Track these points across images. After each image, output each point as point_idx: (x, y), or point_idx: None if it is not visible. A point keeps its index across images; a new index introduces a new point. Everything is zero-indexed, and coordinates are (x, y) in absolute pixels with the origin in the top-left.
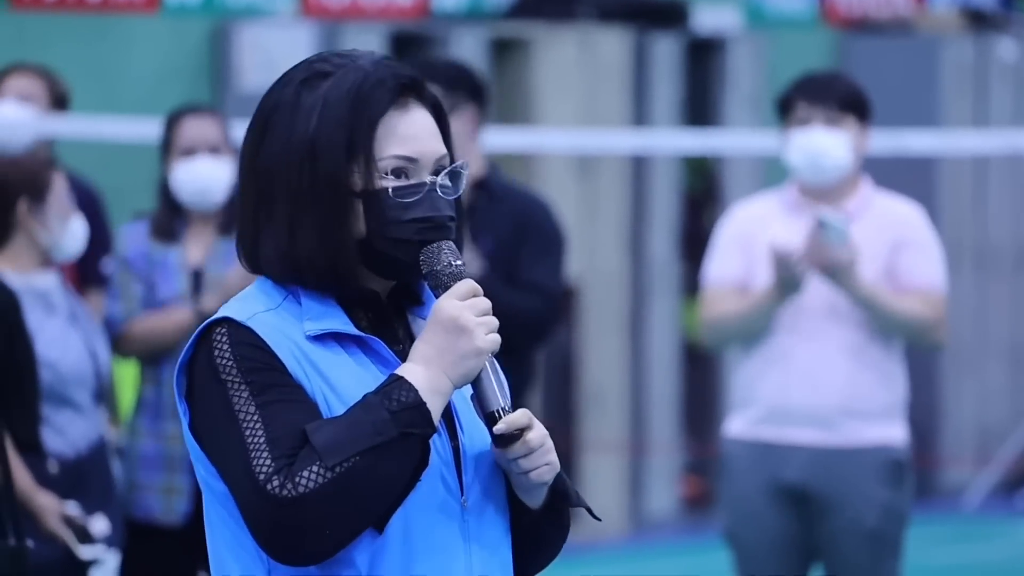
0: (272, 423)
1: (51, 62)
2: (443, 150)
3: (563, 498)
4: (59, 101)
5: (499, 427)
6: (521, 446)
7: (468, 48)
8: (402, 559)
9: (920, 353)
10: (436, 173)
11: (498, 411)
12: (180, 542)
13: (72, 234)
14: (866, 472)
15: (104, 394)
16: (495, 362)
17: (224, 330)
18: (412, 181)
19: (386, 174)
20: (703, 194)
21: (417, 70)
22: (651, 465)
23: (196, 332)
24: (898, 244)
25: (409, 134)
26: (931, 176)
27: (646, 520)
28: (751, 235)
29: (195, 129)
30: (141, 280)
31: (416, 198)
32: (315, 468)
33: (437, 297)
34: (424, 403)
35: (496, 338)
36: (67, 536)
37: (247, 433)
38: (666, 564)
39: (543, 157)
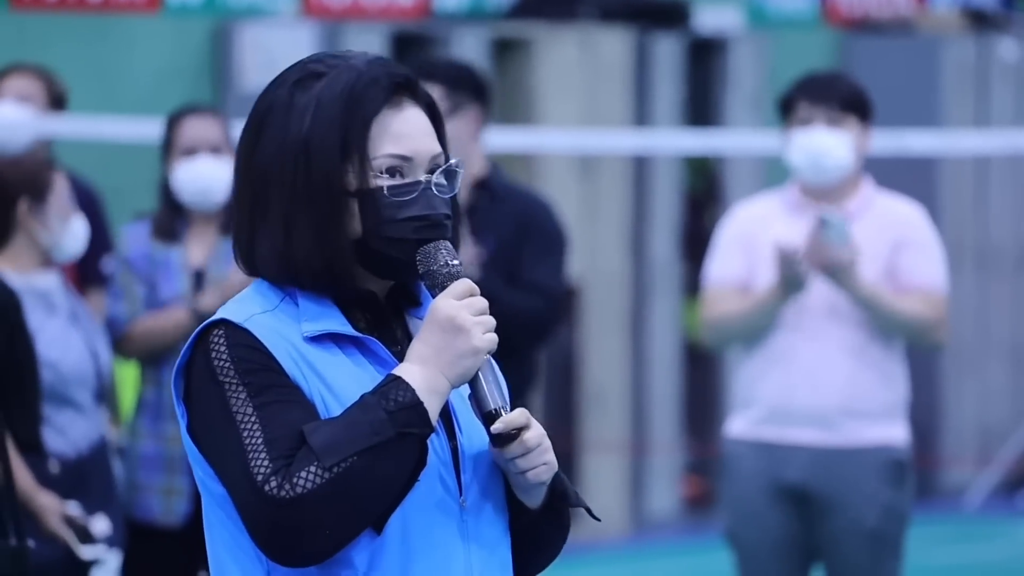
0: (270, 424)
1: (52, 62)
2: (438, 149)
3: (562, 498)
4: (57, 101)
5: (496, 426)
6: (518, 446)
7: (469, 48)
8: (401, 559)
9: (921, 353)
10: (431, 172)
11: (495, 411)
12: (180, 543)
13: (73, 234)
14: (867, 472)
15: (105, 394)
16: (493, 362)
17: (221, 332)
18: (407, 180)
19: (381, 173)
20: (704, 194)
21: (418, 70)
22: (652, 465)
23: (193, 335)
24: (899, 244)
25: (403, 133)
26: (932, 176)
27: (647, 520)
28: (752, 235)
29: (196, 129)
30: (143, 281)
31: (411, 196)
32: (313, 469)
33: (434, 297)
34: (421, 403)
35: (493, 337)
36: (68, 536)
37: (245, 434)
38: (667, 564)
39: (544, 157)
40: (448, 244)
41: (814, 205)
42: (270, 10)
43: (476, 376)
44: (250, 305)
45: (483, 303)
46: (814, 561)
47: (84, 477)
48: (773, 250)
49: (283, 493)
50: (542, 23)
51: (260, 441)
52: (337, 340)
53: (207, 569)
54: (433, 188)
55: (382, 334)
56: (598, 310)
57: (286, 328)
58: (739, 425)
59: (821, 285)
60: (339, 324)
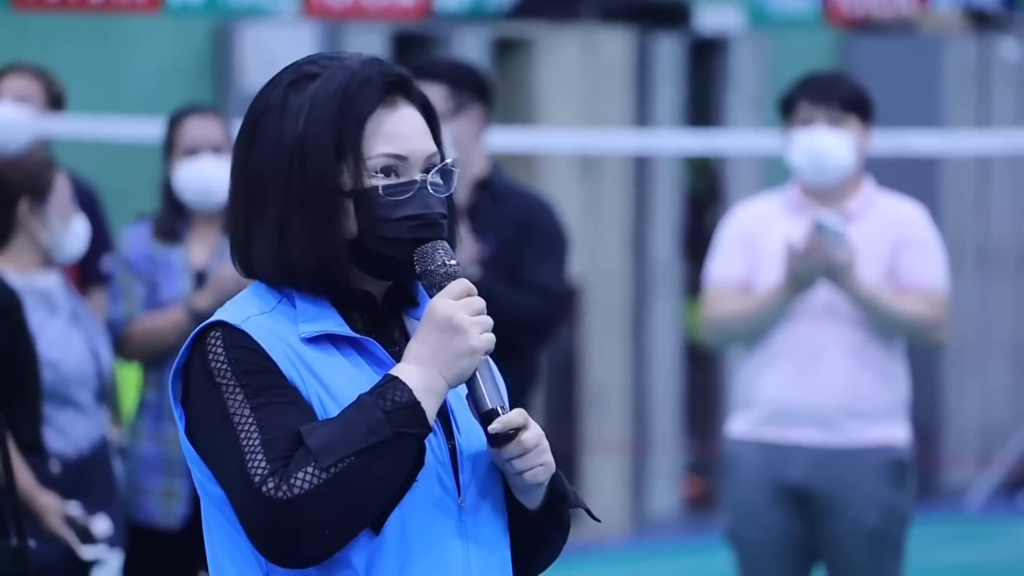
0: (267, 425)
1: (53, 62)
2: (433, 148)
3: (561, 499)
4: (55, 101)
5: (494, 427)
6: (516, 446)
7: (470, 48)
8: (399, 559)
9: (922, 353)
10: (427, 171)
11: (493, 410)
12: (179, 546)
13: (74, 234)
14: (868, 472)
15: (106, 394)
16: (490, 362)
17: (219, 334)
18: (402, 179)
19: (375, 173)
20: (705, 194)
21: (421, 70)
22: (653, 465)
23: (191, 337)
24: (900, 244)
25: (398, 132)
26: (933, 176)
27: (648, 520)
28: (754, 235)
29: (198, 129)
30: (143, 281)
31: (407, 196)
32: (310, 469)
33: (432, 297)
34: (418, 403)
35: (491, 337)
36: (69, 536)
37: (242, 436)
38: (668, 564)
39: (545, 157)
40: (445, 244)
41: (815, 205)
42: (271, 10)
43: (474, 376)
44: (247, 307)
45: (480, 303)
46: (815, 561)
47: (85, 477)
48: (783, 247)
49: (280, 494)
50: (543, 23)
51: (257, 442)
52: (334, 341)
53: (206, 571)
54: (428, 187)
55: (380, 335)
56: (599, 310)
57: (283, 329)
58: (740, 425)
59: (821, 285)
60: (336, 325)
